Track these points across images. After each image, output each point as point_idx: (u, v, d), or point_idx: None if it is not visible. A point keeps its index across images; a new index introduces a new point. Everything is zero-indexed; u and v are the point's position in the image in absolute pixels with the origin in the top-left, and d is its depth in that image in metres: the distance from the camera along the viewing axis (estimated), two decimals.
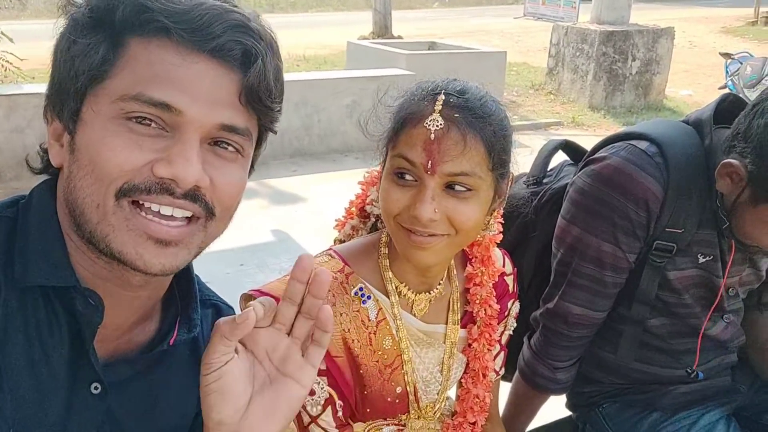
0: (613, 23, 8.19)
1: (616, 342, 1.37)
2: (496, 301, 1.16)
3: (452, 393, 1.24)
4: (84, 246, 0.76)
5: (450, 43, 8.66)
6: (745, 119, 1.13)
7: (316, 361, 0.77)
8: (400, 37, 11.60)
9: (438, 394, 1.16)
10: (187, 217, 0.74)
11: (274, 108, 0.79)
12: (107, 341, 0.80)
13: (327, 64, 10.72)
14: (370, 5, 13.15)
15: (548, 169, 1.52)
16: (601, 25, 8.18)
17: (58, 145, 0.76)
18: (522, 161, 1.11)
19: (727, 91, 6.83)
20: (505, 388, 1.45)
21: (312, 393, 1.02)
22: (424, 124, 0.94)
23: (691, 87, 9.73)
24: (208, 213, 0.75)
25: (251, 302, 0.74)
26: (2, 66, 6.17)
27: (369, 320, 1.06)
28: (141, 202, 0.71)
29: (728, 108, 1.26)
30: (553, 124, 7.56)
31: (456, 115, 0.94)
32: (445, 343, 1.14)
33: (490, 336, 1.16)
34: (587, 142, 1.54)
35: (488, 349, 1.17)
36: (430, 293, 1.11)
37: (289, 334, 0.76)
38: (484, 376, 1.17)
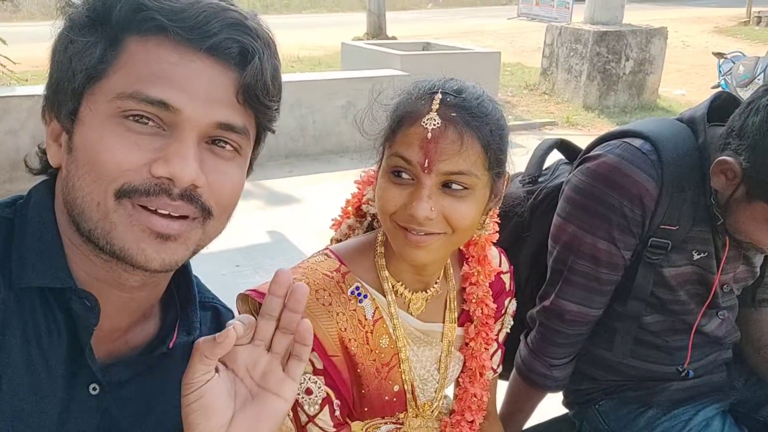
0: (607, 23, 8.22)
1: (612, 339, 1.37)
2: (492, 299, 1.16)
3: (450, 391, 1.24)
4: (83, 245, 0.76)
5: (444, 44, 8.67)
6: (740, 117, 1.14)
7: (297, 374, 0.78)
8: (394, 38, 11.62)
9: (435, 392, 1.16)
10: (182, 216, 0.74)
11: (272, 106, 0.78)
12: (105, 342, 0.80)
13: (321, 65, 10.72)
14: (364, 6, 13.17)
15: (543, 168, 1.53)
16: (595, 25, 8.21)
17: (56, 146, 0.76)
18: (517, 161, 1.11)
19: (720, 90, 6.87)
20: (503, 386, 1.46)
21: (309, 392, 1.02)
22: (421, 123, 0.94)
23: (684, 87, 9.78)
24: (204, 214, 0.75)
25: (230, 321, 0.73)
26: None
27: (366, 319, 1.06)
28: (141, 204, 0.71)
29: (722, 106, 1.27)
30: (548, 124, 7.58)
31: (453, 114, 0.94)
32: (442, 341, 1.14)
33: (487, 335, 1.16)
34: (582, 142, 1.55)
35: (485, 348, 1.17)
36: (426, 292, 1.11)
37: (269, 350, 0.76)
38: (482, 374, 1.18)
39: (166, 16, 0.69)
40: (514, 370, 1.46)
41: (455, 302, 1.15)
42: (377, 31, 12.21)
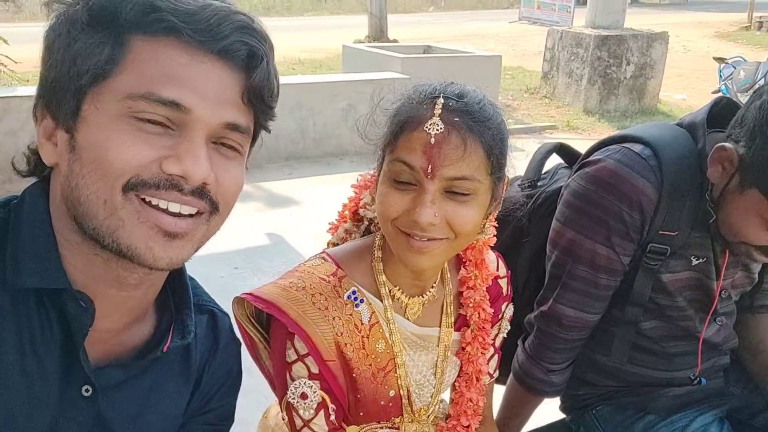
0: (608, 28, 8.21)
1: (609, 344, 1.37)
2: (489, 304, 1.16)
3: (446, 395, 1.24)
4: (82, 244, 0.75)
5: (445, 47, 8.66)
6: (744, 108, 1.15)
7: None
8: (395, 41, 11.63)
9: (431, 397, 1.15)
10: (191, 214, 0.75)
11: (273, 107, 0.81)
12: (99, 343, 0.80)
13: (323, 67, 10.73)
14: (365, 9, 13.18)
15: (542, 172, 1.53)
16: (596, 29, 8.21)
17: (50, 144, 0.75)
18: (517, 165, 1.11)
19: (720, 95, 6.86)
20: (499, 391, 1.45)
21: (304, 397, 1.02)
22: (424, 128, 0.93)
23: (684, 91, 9.78)
24: (212, 208, 0.76)
25: None
26: None
27: (362, 324, 1.06)
28: (147, 199, 0.72)
29: (722, 112, 1.27)
30: (548, 128, 7.57)
31: (456, 119, 0.93)
32: (438, 346, 1.13)
33: (484, 339, 1.16)
34: (582, 146, 1.54)
35: (482, 353, 1.17)
36: (423, 296, 1.11)
37: None
38: (478, 379, 1.17)
39: (178, 18, 0.70)
40: (511, 375, 1.46)
41: (452, 306, 1.15)
42: (378, 33, 12.22)
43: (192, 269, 0.91)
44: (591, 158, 1.30)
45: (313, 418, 1.03)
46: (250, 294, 1.03)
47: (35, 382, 0.75)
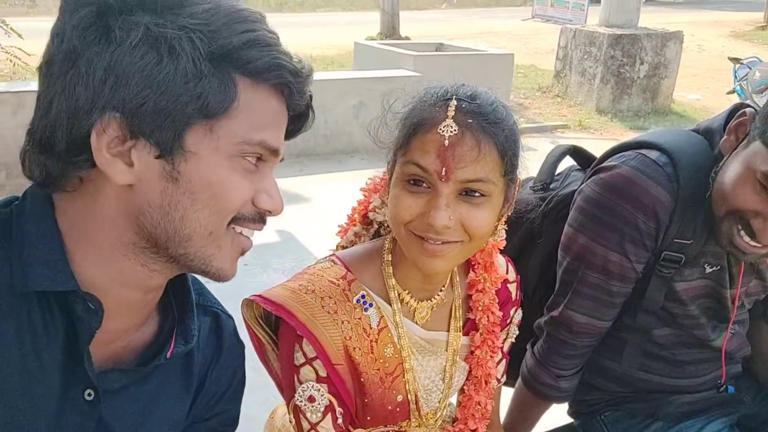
0: (622, 26, 8.14)
1: (621, 351, 1.36)
2: (498, 308, 1.16)
3: (453, 399, 1.24)
4: (139, 255, 0.77)
5: (458, 45, 8.63)
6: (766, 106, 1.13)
7: None
8: (407, 38, 11.59)
9: (439, 402, 1.15)
10: None
11: None
12: (102, 346, 0.80)
13: (334, 64, 10.72)
14: (378, 6, 13.15)
15: (555, 174, 1.52)
16: (610, 28, 8.14)
17: (121, 163, 0.72)
18: (529, 165, 1.10)
19: (735, 96, 6.79)
20: (507, 395, 1.45)
21: (312, 400, 1.02)
22: (438, 130, 0.92)
23: (699, 91, 9.68)
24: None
25: None
26: (11, 61, 6.19)
27: (371, 328, 1.06)
28: (238, 230, 0.80)
29: None
30: (560, 127, 7.52)
31: (470, 121, 0.92)
32: (447, 350, 1.13)
33: (493, 343, 1.15)
34: (594, 146, 1.53)
35: (491, 356, 1.16)
36: (432, 300, 1.10)
37: None
38: (487, 383, 1.17)
39: (292, 76, 0.76)
40: (519, 380, 1.45)
41: (460, 310, 1.14)
42: (391, 30, 12.18)
43: None
44: (606, 164, 1.29)
45: (320, 421, 1.03)
46: (260, 296, 1.03)
47: (37, 385, 0.75)
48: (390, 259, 1.09)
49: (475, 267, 1.15)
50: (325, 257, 1.13)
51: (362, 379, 1.05)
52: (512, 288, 1.22)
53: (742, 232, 1.13)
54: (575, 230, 1.30)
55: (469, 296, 1.15)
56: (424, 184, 0.94)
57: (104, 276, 0.77)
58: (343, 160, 5.97)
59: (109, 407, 0.80)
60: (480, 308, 1.14)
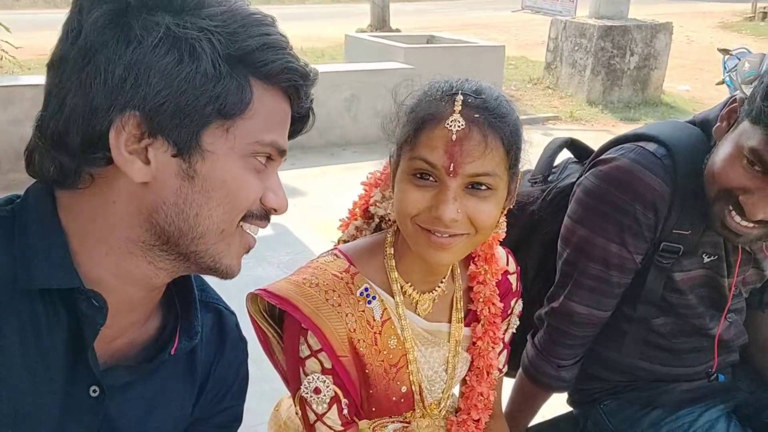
0: (612, 18, 8.17)
1: (621, 341, 1.38)
2: (499, 299, 1.17)
3: (455, 390, 1.25)
4: (149, 252, 0.77)
5: (449, 37, 8.62)
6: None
7: None
8: (398, 30, 11.56)
9: (443, 392, 1.16)
10: None
11: None
12: (105, 342, 0.80)
13: (325, 56, 10.69)
14: None
15: (553, 167, 1.53)
16: (600, 19, 8.16)
17: (138, 161, 0.72)
18: (525, 157, 1.11)
19: (724, 86, 6.83)
20: (507, 385, 1.46)
21: (318, 391, 1.03)
22: (445, 125, 0.92)
23: (688, 82, 9.74)
24: None
25: None
26: None
27: (374, 320, 1.06)
28: (246, 227, 0.82)
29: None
30: (551, 119, 7.55)
31: (476, 116, 0.93)
32: (449, 341, 1.14)
33: (495, 334, 1.16)
34: (585, 137, 1.55)
35: (492, 347, 1.17)
36: (433, 292, 1.11)
37: None
38: (488, 374, 1.18)
39: (302, 79, 0.79)
40: (520, 370, 1.46)
41: (462, 302, 1.15)
42: (381, 23, 12.16)
43: None
44: (604, 156, 1.30)
45: (326, 412, 1.03)
46: (264, 290, 1.04)
47: (41, 382, 0.75)
48: (392, 252, 1.09)
49: (476, 259, 1.16)
50: (328, 251, 1.13)
51: (367, 371, 1.06)
52: (512, 279, 1.23)
53: (733, 212, 1.14)
54: (575, 222, 1.31)
55: (470, 288, 1.16)
56: (431, 178, 0.95)
57: (108, 273, 0.77)
58: (335, 153, 5.96)
59: (114, 403, 0.81)
60: (481, 300, 1.14)
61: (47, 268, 0.73)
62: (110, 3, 0.70)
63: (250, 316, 1.10)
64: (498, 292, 1.17)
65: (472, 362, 1.18)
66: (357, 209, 1.22)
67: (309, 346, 1.03)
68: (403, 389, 1.10)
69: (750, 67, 6.49)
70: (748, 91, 1.15)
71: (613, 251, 1.26)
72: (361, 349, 1.05)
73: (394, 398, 1.10)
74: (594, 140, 1.57)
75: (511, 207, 1.06)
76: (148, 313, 0.87)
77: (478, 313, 1.15)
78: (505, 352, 1.26)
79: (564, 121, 7.58)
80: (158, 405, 0.87)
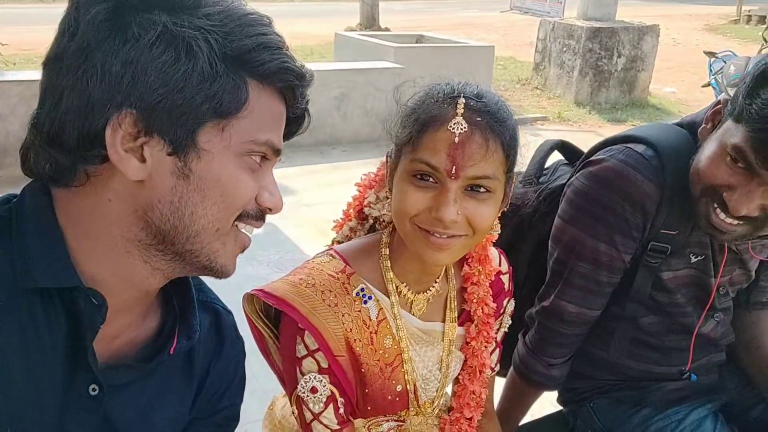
0: (600, 20, 8.23)
1: (609, 339, 1.40)
2: (492, 299, 1.18)
3: (448, 389, 1.26)
4: (146, 251, 0.77)
5: (438, 37, 8.64)
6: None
7: None
8: (387, 29, 11.56)
9: (437, 390, 1.18)
10: None
11: None
12: (104, 341, 0.80)
13: (314, 54, 10.66)
14: None
15: (544, 169, 1.54)
16: (588, 21, 8.22)
17: (134, 159, 0.72)
18: (518, 159, 1.12)
19: (710, 89, 6.91)
20: (499, 384, 1.48)
21: (314, 391, 1.03)
22: (448, 128, 0.93)
23: (674, 84, 9.83)
24: None
25: None
26: None
27: (370, 320, 1.07)
28: (241, 226, 0.82)
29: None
30: (539, 119, 7.59)
31: (478, 119, 0.94)
32: (443, 340, 1.15)
33: (488, 334, 1.18)
34: (573, 138, 1.58)
35: (485, 347, 1.19)
36: (428, 292, 1.12)
37: None
38: (481, 372, 1.19)
39: (298, 79, 0.79)
40: (511, 369, 1.48)
41: (455, 302, 1.17)
42: (370, 21, 12.14)
43: None
44: (594, 157, 1.32)
45: (322, 412, 1.04)
46: (261, 290, 1.04)
47: (41, 381, 0.75)
48: (387, 252, 1.10)
49: (470, 260, 1.17)
50: (323, 251, 1.14)
51: (363, 370, 1.07)
52: (505, 279, 1.25)
53: (718, 210, 1.16)
54: (565, 222, 1.33)
55: (464, 288, 1.17)
56: (431, 179, 0.96)
57: (107, 272, 0.77)
58: (325, 152, 5.96)
59: (113, 402, 0.81)
60: (475, 300, 1.16)
61: (46, 267, 0.73)
62: (107, 1, 0.70)
63: (246, 315, 1.10)
64: (491, 292, 1.18)
65: (465, 361, 1.19)
66: (351, 210, 1.23)
67: (306, 346, 1.03)
68: (399, 388, 1.11)
69: (735, 69, 6.56)
70: (733, 93, 1.17)
71: (602, 251, 1.28)
72: (358, 348, 1.06)
73: (389, 397, 1.11)
74: (582, 141, 1.59)
75: (505, 209, 1.07)
76: (145, 311, 0.87)
77: (472, 314, 1.17)
78: (498, 350, 1.28)
79: (552, 122, 7.63)
80: (157, 404, 0.88)
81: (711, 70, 6.96)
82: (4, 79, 4.76)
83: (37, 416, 0.75)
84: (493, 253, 1.21)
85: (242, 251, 0.84)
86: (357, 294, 1.07)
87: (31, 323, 0.74)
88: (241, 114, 0.74)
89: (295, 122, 0.85)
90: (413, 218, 0.97)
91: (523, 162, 1.10)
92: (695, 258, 1.31)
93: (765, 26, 7.56)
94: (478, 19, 16.60)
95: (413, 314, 1.12)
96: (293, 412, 1.08)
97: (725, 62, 6.60)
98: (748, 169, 1.09)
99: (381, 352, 1.08)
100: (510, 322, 1.28)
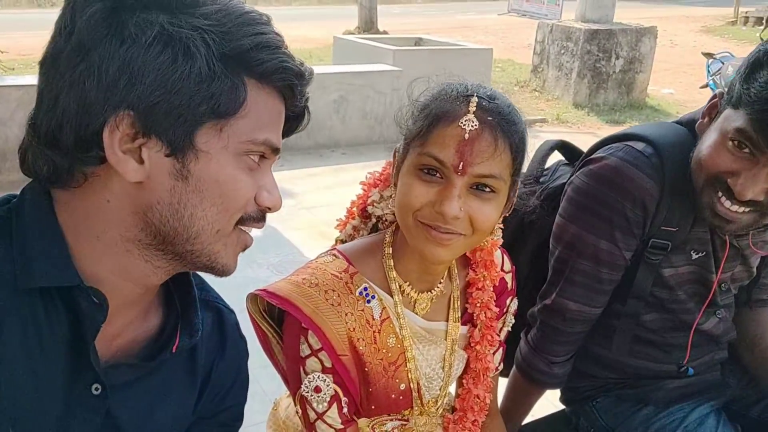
0: (598, 22, 8.26)
1: (611, 337, 1.40)
2: (495, 304, 1.18)
3: (451, 388, 1.26)
4: (145, 250, 0.77)
5: (437, 39, 8.66)
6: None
7: None
8: (385, 32, 11.58)
9: (440, 389, 1.18)
10: None
11: None
12: (106, 340, 0.80)
13: (313, 58, 10.67)
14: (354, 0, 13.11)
15: (544, 169, 1.55)
16: (586, 23, 8.24)
17: (132, 161, 0.72)
18: None
19: (708, 90, 6.93)
20: (502, 383, 1.48)
21: (318, 390, 1.03)
22: (459, 124, 0.94)
23: (672, 86, 9.86)
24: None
25: None
26: None
27: (373, 319, 1.07)
28: (243, 228, 0.82)
29: None
30: (538, 121, 7.60)
31: (489, 118, 0.95)
32: (446, 340, 1.16)
33: (492, 338, 1.18)
34: (571, 139, 1.59)
35: (489, 350, 1.19)
36: (431, 292, 1.13)
37: None
38: (485, 376, 1.19)
39: (297, 78, 0.79)
40: (514, 368, 1.48)
41: (458, 301, 1.17)
42: (368, 24, 12.17)
43: None
44: (594, 156, 1.33)
45: (326, 411, 1.04)
46: (264, 290, 1.05)
47: (43, 380, 0.75)
48: (391, 252, 1.10)
49: (474, 266, 1.17)
50: (326, 251, 1.14)
51: (366, 369, 1.07)
52: (508, 278, 1.25)
53: (723, 198, 1.16)
54: (566, 220, 1.33)
55: (469, 292, 1.17)
56: (438, 174, 0.96)
57: (107, 270, 0.77)
58: (324, 155, 5.96)
59: (116, 401, 0.81)
60: (479, 305, 1.16)
61: (47, 266, 0.73)
62: (104, 1, 0.69)
63: (250, 315, 1.10)
64: (495, 297, 1.18)
65: (468, 364, 1.19)
66: (355, 209, 1.23)
67: (309, 346, 1.03)
68: (402, 387, 1.11)
69: (733, 71, 6.58)
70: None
71: (603, 248, 1.28)
72: (361, 347, 1.06)
73: (393, 396, 1.11)
74: (580, 143, 1.60)
75: (507, 214, 1.08)
76: (147, 309, 0.87)
77: (475, 318, 1.17)
78: (501, 349, 1.28)
79: (551, 124, 7.64)
80: (160, 403, 0.88)
81: (709, 71, 6.99)
82: (3, 84, 4.77)
83: (39, 416, 0.75)
84: (498, 255, 1.22)
85: (244, 250, 0.84)
86: (360, 293, 1.07)
87: (32, 323, 0.74)
88: (239, 114, 0.74)
89: (294, 120, 0.85)
90: (416, 213, 0.98)
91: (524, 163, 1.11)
92: (696, 254, 1.31)
93: (763, 27, 7.59)
94: (475, 21, 16.64)
95: (416, 313, 1.12)
96: (297, 412, 1.08)
97: (723, 63, 6.63)
98: (752, 151, 1.10)
99: (384, 351, 1.08)
100: (513, 321, 1.29)
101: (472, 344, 1.17)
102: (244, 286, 1.07)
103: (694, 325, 1.37)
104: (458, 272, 1.18)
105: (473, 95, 0.96)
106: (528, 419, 1.57)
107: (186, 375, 0.92)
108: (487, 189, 0.96)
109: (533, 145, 1.58)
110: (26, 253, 0.74)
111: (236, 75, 0.73)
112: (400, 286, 1.10)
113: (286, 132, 0.84)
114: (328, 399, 1.04)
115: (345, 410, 1.06)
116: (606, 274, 1.31)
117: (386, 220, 1.20)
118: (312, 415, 1.05)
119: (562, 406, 1.60)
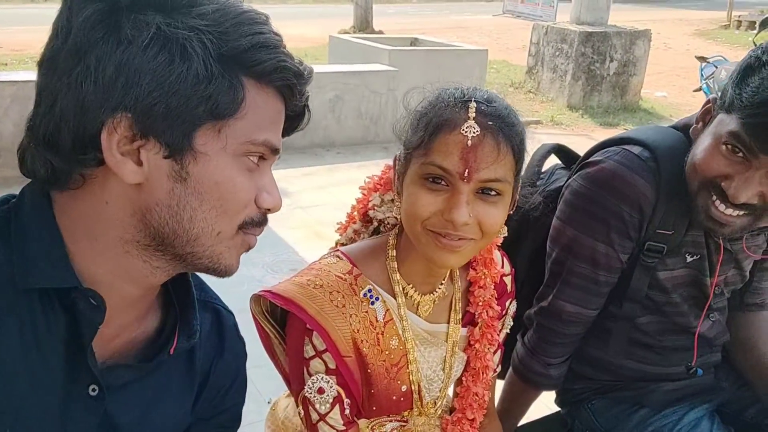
0: (592, 24, 8.29)
1: (607, 339, 1.42)
2: (496, 302, 1.20)
3: (450, 389, 1.27)
4: (144, 251, 0.77)
5: (432, 40, 8.67)
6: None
7: None
8: (381, 32, 11.59)
9: (440, 391, 1.19)
10: None
11: None
12: (103, 342, 0.80)
13: (308, 57, 10.65)
14: None
15: (541, 172, 1.56)
16: (581, 25, 8.28)
17: (131, 163, 0.72)
18: None
19: (701, 93, 6.97)
20: (499, 384, 1.49)
21: (321, 391, 1.04)
22: (461, 131, 0.95)
23: (665, 89, 9.91)
24: None
25: None
26: None
27: (377, 321, 1.08)
28: (247, 232, 0.82)
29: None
30: (532, 123, 7.62)
31: (489, 123, 0.96)
32: (447, 341, 1.17)
33: (492, 336, 1.19)
34: (565, 141, 1.61)
35: (489, 349, 1.20)
36: (434, 294, 1.14)
37: None
38: (484, 374, 1.21)
39: (296, 78, 0.78)
40: (510, 369, 1.50)
41: (460, 303, 1.18)
42: (364, 24, 12.17)
43: None
44: (591, 159, 1.35)
45: (329, 412, 1.05)
46: (269, 291, 1.05)
47: (41, 381, 0.75)
48: (394, 254, 1.11)
49: (475, 264, 1.18)
50: (330, 252, 1.15)
51: (369, 370, 1.08)
52: (507, 281, 1.27)
53: (717, 201, 1.18)
54: (563, 223, 1.35)
55: (470, 291, 1.18)
56: (443, 182, 0.97)
57: (105, 272, 0.77)
58: (319, 154, 5.96)
59: (113, 403, 0.81)
60: (480, 303, 1.17)
61: (45, 267, 0.74)
62: (100, 2, 0.69)
63: (253, 316, 1.11)
64: (496, 295, 1.20)
65: (468, 363, 1.21)
66: (356, 213, 1.24)
67: (314, 347, 1.04)
68: (403, 388, 1.12)
69: (726, 75, 6.63)
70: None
71: (600, 251, 1.30)
72: (364, 349, 1.07)
73: (394, 397, 1.12)
74: (574, 144, 1.62)
75: (511, 212, 1.09)
76: (145, 310, 0.87)
77: (477, 317, 1.18)
78: (499, 352, 1.29)
79: (545, 126, 7.67)
80: (158, 404, 0.88)
81: (702, 75, 7.03)
82: None
83: (37, 416, 0.75)
84: (497, 255, 1.23)
85: (247, 251, 0.84)
86: (365, 295, 1.08)
87: (29, 323, 0.74)
88: (237, 115, 0.73)
89: (294, 119, 0.84)
90: (425, 222, 0.98)
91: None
92: (691, 258, 1.33)
93: (755, 32, 7.63)
94: (470, 22, 16.67)
95: (419, 315, 1.13)
96: (299, 413, 1.09)
97: (716, 67, 6.67)
98: (745, 155, 1.12)
99: (387, 352, 1.09)
100: (512, 323, 1.30)
101: (472, 343, 1.18)
102: (238, 285, 1.07)
103: (698, 327, 1.39)
104: (459, 274, 1.19)
105: (471, 100, 0.97)
106: (523, 421, 1.58)
107: (184, 376, 0.92)
108: (493, 192, 0.97)
109: (528, 147, 1.59)
110: (25, 254, 0.74)
111: (234, 75, 0.72)
112: (403, 288, 1.11)
113: (286, 131, 0.84)
114: (330, 400, 1.05)
115: (347, 412, 1.07)
116: (603, 277, 1.33)
117: (388, 224, 1.21)
118: (314, 417, 1.06)
119: (557, 408, 1.62)
